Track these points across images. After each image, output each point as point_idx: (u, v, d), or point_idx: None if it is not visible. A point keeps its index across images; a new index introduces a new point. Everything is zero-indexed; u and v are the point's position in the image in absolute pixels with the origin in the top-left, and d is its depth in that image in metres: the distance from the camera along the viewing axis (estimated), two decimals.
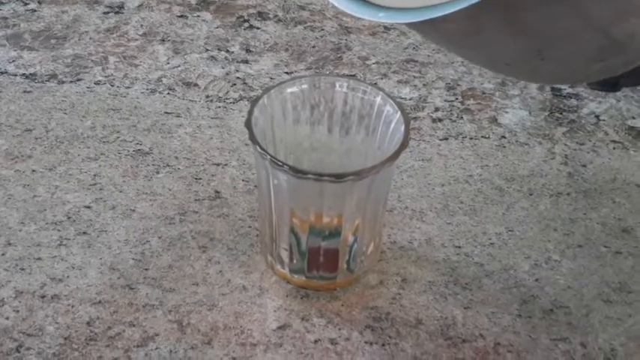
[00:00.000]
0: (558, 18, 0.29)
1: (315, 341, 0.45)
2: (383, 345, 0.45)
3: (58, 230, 0.50)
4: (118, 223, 0.50)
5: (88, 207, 0.51)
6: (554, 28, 0.29)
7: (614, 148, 0.58)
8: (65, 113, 0.58)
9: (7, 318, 0.45)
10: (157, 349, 0.44)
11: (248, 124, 0.42)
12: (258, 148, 0.41)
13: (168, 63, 0.63)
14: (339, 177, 0.41)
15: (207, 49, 0.64)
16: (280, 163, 0.40)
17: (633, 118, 0.60)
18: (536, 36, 0.30)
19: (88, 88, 0.60)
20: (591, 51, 0.32)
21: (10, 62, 0.62)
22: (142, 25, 0.67)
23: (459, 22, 0.28)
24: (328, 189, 0.42)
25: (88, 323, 0.45)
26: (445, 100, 0.61)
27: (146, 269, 0.48)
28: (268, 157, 0.41)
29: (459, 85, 0.62)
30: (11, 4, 0.68)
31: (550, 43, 0.30)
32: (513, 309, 0.47)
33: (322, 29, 0.67)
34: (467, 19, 0.28)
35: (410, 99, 0.61)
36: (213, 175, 0.54)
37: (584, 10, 0.29)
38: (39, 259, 0.48)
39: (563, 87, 0.63)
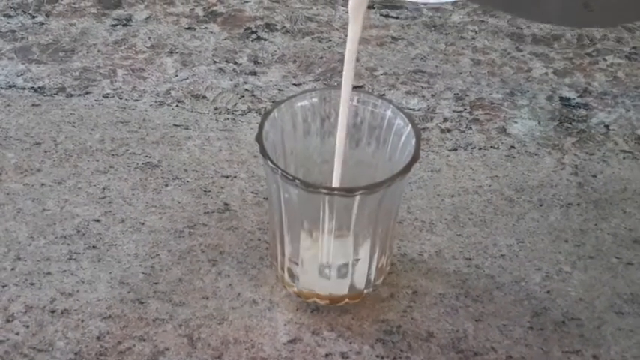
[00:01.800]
0: None
1: (326, 355, 0.45)
2: (394, 358, 0.45)
3: (68, 244, 0.50)
4: (127, 236, 0.50)
5: (98, 220, 0.51)
6: None
7: (623, 158, 0.57)
8: (74, 126, 0.58)
9: (17, 333, 0.45)
10: None
11: (259, 138, 0.42)
12: (269, 162, 0.41)
13: (177, 75, 0.63)
14: (350, 191, 0.41)
15: (215, 61, 0.64)
16: (291, 178, 0.40)
17: None
18: None
19: (96, 101, 0.60)
20: None
21: (18, 75, 0.62)
22: (149, 38, 0.67)
23: None
24: (339, 203, 0.42)
25: (98, 338, 0.45)
26: (454, 111, 0.61)
27: (156, 283, 0.48)
28: (279, 171, 0.41)
29: (467, 95, 0.62)
30: (19, 17, 0.68)
31: None
32: (525, 321, 0.47)
33: (330, 40, 0.67)
34: None
35: (418, 110, 0.61)
36: (222, 188, 0.54)
37: None
38: (49, 273, 0.48)
39: (572, 97, 0.62)
